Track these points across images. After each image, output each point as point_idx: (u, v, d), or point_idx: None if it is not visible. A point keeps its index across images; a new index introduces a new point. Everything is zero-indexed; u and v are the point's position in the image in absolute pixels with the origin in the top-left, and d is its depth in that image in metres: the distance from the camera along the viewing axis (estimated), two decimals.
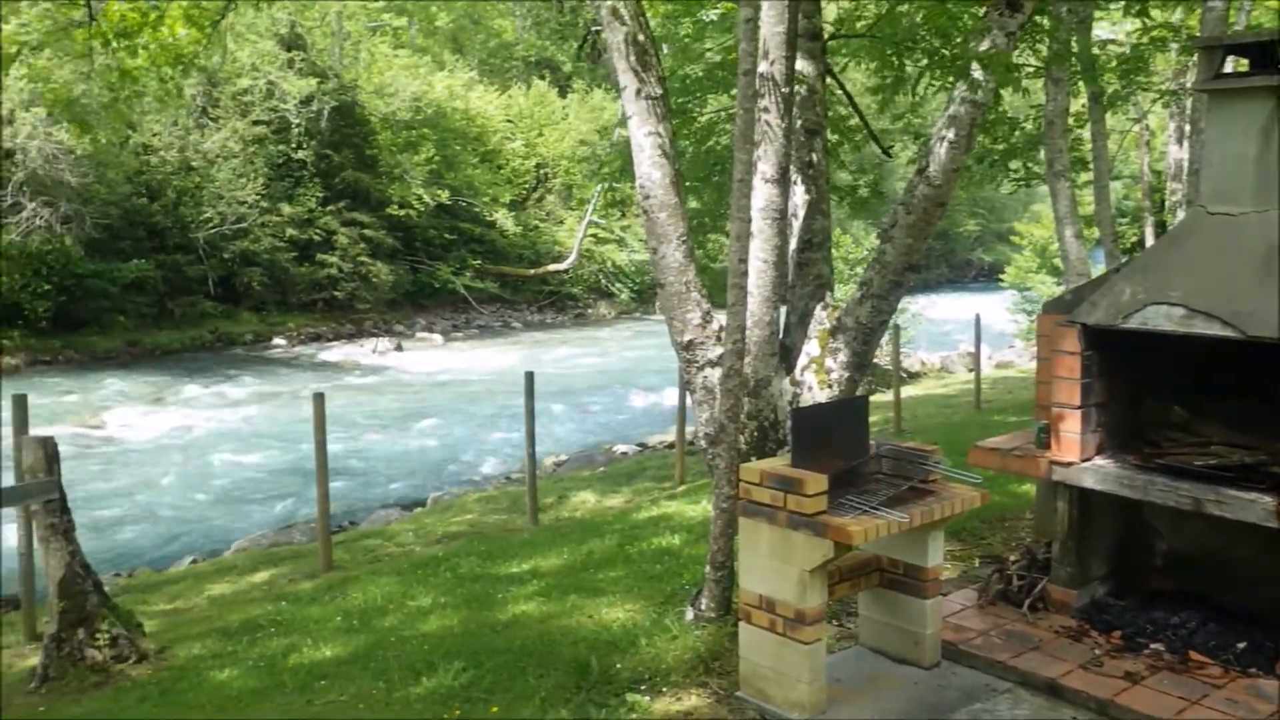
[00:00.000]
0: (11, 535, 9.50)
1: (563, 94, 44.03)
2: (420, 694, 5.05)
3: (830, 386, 6.58)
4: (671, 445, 14.10)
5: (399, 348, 29.31)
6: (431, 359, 27.71)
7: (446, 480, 14.59)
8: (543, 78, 44.28)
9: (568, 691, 4.85)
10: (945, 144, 6.22)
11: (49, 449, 6.33)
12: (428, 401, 20.85)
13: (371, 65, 35.26)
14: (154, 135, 29.34)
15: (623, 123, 6.93)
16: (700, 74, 10.67)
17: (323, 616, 6.87)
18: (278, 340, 30.20)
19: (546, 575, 7.26)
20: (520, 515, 10.27)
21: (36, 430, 7.01)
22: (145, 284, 27.85)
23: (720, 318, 6.05)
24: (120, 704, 5.52)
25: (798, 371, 6.72)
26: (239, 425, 18.45)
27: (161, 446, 16.75)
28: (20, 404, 7.25)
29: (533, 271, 38.71)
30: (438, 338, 32.39)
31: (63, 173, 25.36)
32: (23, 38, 11.16)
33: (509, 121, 40.98)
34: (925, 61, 8.06)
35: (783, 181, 6.17)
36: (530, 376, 9.76)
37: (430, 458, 16.15)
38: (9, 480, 11.31)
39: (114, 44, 10.04)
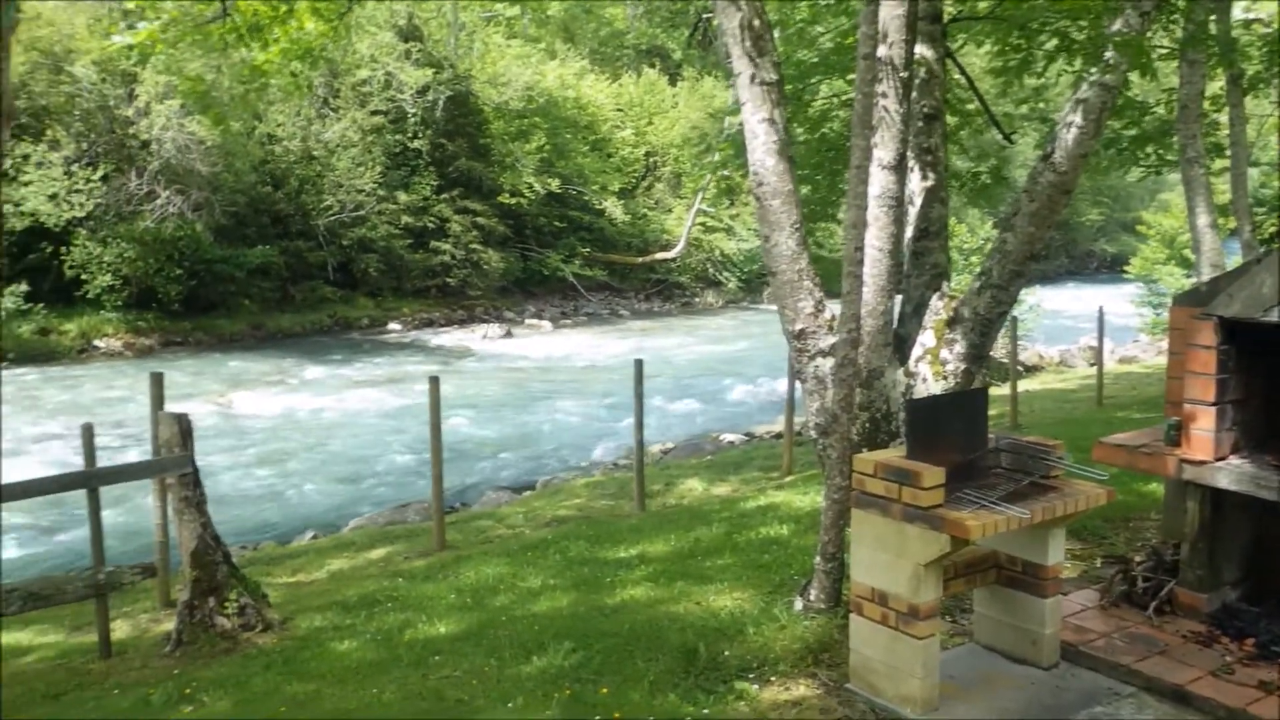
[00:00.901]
0: (148, 507, 9.99)
1: (673, 82, 44.02)
2: (531, 672, 5.14)
3: (945, 378, 6.45)
4: (779, 435, 14.01)
5: (509, 334, 29.78)
6: (540, 345, 28.07)
7: (555, 465, 14.78)
8: (653, 66, 44.33)
9: (676, 676, 4.87)
10: (1073, 129, 6.02)
11: (184, 425, 6.61)
12: (536, 387, 21.14)
13: (485, 55, 35.82)
14: (278, 126, 30.34)
15: (735, 109, 6.89)
16: (815, 59, 10.53)
17: (437, 594, 7.04)
18: (393, 325, 31.00)
19: (654, 561, 7.30)
20: (628, 501, 10.35)
21: (170, 407, 7.33)
22: (269, 269, 28.86)
23: (833, 307, 5.99)
24: (247, 670, 5.75)
25: (912, 362, 6.60)
26: (356, 406, 19.00)
27: (283, 425, 17.36)
28: (157, 381, 7.60)
29: (641, 259, 38.86)
30: (547, 324, 32.80)
31: (194, 162, 26.43)
32: (162, 35, 11.66)
33: (619, 110, 41.16)
34: (1053, 44, 7.80)
35: (899, 168, 6.07)
36: (639, 364, 9.81)
37: (538, 442, 16.37)
38: (145, 454, 11.88)
39: (246, 39, 10.40)
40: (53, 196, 24.52)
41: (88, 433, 6.79)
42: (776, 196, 6.16)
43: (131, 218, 26.09)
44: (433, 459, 8.81)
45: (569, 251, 36.48)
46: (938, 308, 6.72)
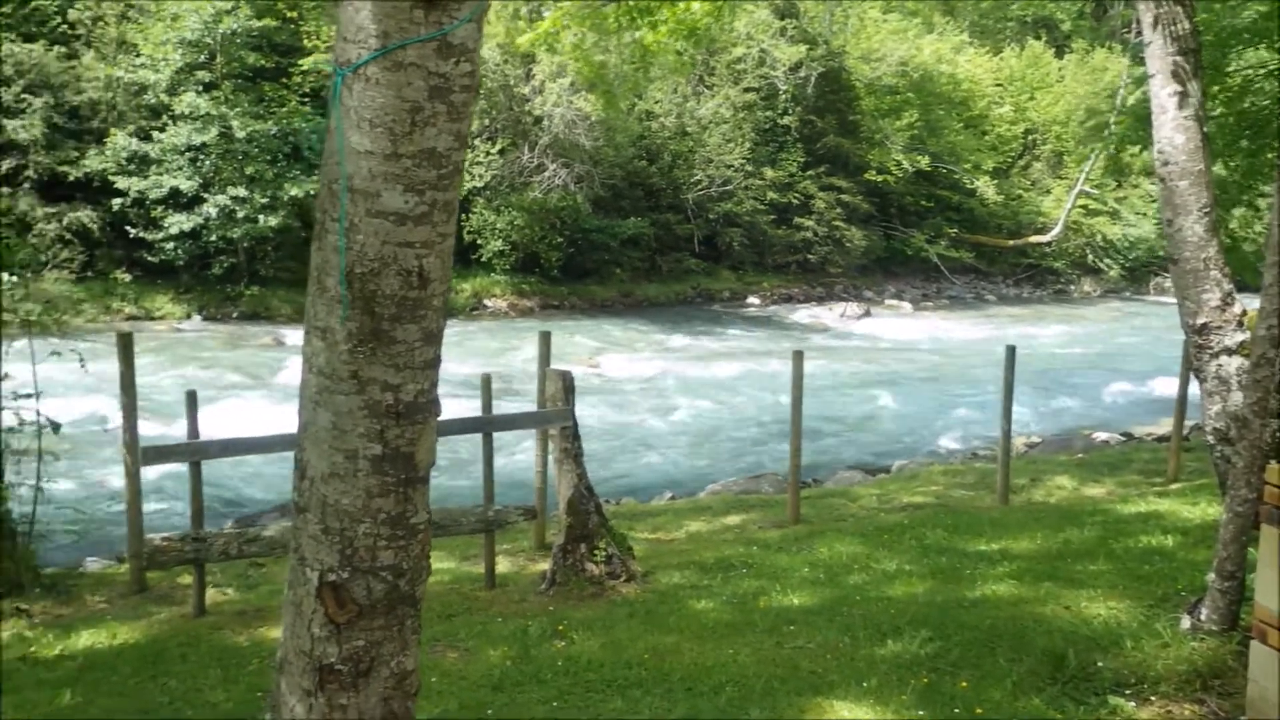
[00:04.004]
0: (525, 455, 10.89)
1: (1059, 54, 41.21)
2: (885, 655, 5.09)
3: None
4: (1163, 438, 12.85)
5: (867, 313, 29.38)
6: (899, 327, 27.46)
7: (909, 449, 14.44)
8: (1038, 37, 41.72)
9: (1041, 680, 4.64)
10: None
11: (567, 381, 7.13)
12: (893, 369, 20.72)
13: (860, 31, 35.33)
14: (656, 103, 31.68)
15: (1138, 82, 6.34)
16: (1239, 24, 9.44)
17: (790, 566, 7.13)
18: (752, 299, 31.56)
19: (1018, 558, 6.96)
20: (988, 493, 9.92)
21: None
22: (640, 240, 30.31)
23: (1244, 301, 5.40)
24: (613, 615, 6.13)
25: None
26: (714, 376, 19.56)
27: (645, 389, 18.22)
28: (545, 340, 8.23)
29: (1012, 242, 36.89)
30: (907, 305, 32.03)
31: (579, 137, 28.24)
32: (563, 21, 12.54)
33: (998, 85, 39.17)
34: None
35: None
36: (1012, 350, 9.34)
37: (893, 425, 16.06)
38: (519, 406, 12.92)
39: (638, 20, 10.95)
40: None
41: (486, 383, 7.48)
42: (1184, 177, 5.64)
43: (522, 188, 28.34)
44: (792, 433, 8.90)
45: (935, 232, 35.33)
46: None
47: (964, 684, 4.62)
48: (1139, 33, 5.84)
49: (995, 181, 36.41)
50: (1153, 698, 4.42)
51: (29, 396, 6.74)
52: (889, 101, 35.12)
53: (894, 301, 32.60)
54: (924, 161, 33.97)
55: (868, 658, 5.09)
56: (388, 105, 2.19)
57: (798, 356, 8.90)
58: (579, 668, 5.25)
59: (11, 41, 23.66)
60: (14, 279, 6.63)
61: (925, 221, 35.58)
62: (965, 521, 8.38)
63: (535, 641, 5.73)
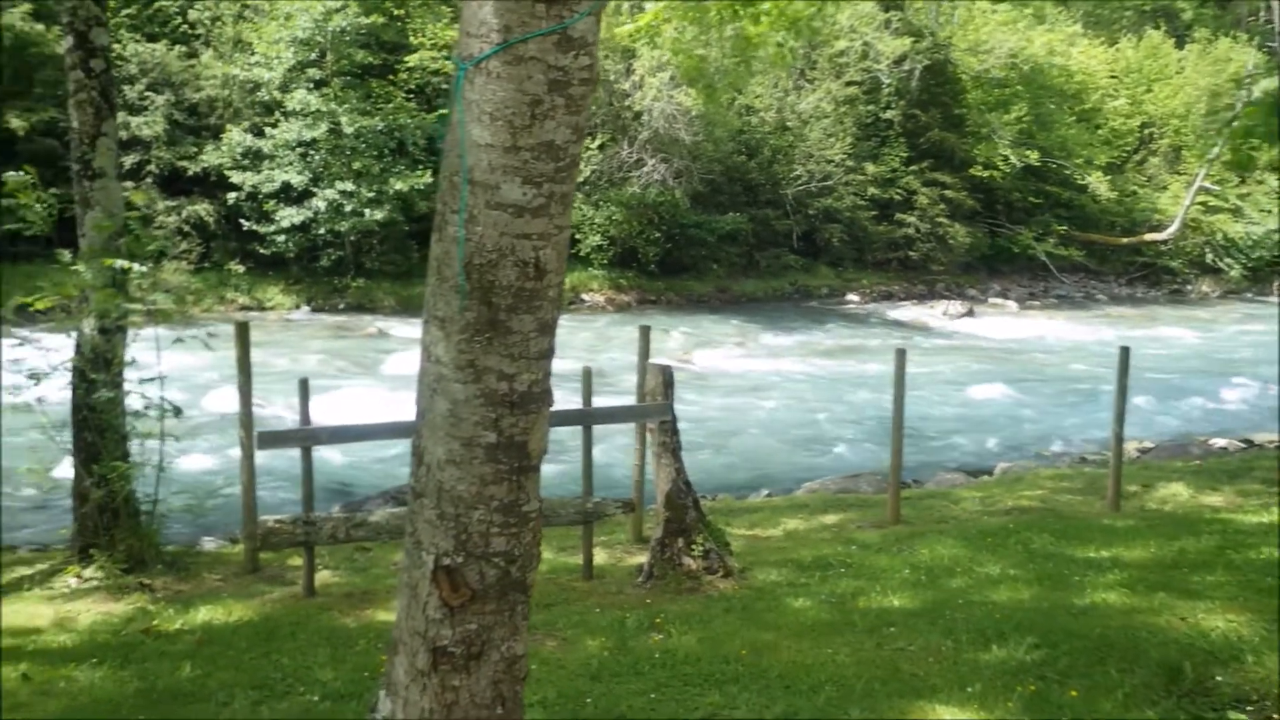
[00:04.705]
0: (620, 448, 10.94)
1: (1179, 45, 39.66)
2: (989, 661, 4.99)
3: None
4: None
5: (970, 312, 28.74)
6: (1004, 326, 26.81)
7: (1013, 452, 14.10)
8: (1157, 27, 40.24)
9: (1155, 693, 4.50)
10: None
11: (667, 375, 7.15)
12: (997, 369, 20.24)
13: (967, 23, 34.52)
14: (756, 97, 31.48)
15: (1270, 70, 6.07)
16: None
17: (890, 567, 7.04)
18: (851, 296, 31.16)
19: (1130, 566, 6.75)
20: (1098, 498, 9.63)
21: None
22: (737, 235, 30.15)
23: None
24: (710, 610, 6.13)
25: None
26: (812, 373, 19.39)
27: (740, 385, 18.14)
28: (645, 334, 8.26)
29: (1126, 240, 35.67)
30: (1012, 304, 31.26)
31: (678, 132, 28.25)
32: (664, 15, 12.55)
33: (1113, 77, 37.88)
34: None
35: None
36: (1125, 352, 9.05)
37: (996, 427, 15.69)
38: (614, 400, 12.98)
39: (740, 13, 10.90)
40: None
41: (587, 377, 7.53)
42: None
43: (621, 183, 28.46)
44: (893, 432, 8.77)
45: (1043, 229, 34.34)
46: None
47: (1074, 693, 4.50)
48: (1268, 20, 5.59)
49: (1108, 177, 35.19)
50: (1275, 715, 4.24)
51: (152, 381, 7.02)
52: (997, 95, 34.25)
53: (998, 300, 31.83)
54: (1033, 156, 33.02)
55: (971, 662, 4.99)
56: (508, 99, 2.23)
57: (900, 354, 8.77)
58: (676, 661, 5.26)
59: (136, 41, 24.68)
60: (144, 269, 6.91)
61: (1033, 218, 34.61)
62: (1073, 527, 8.16)
63: (632, 633, 5.77)
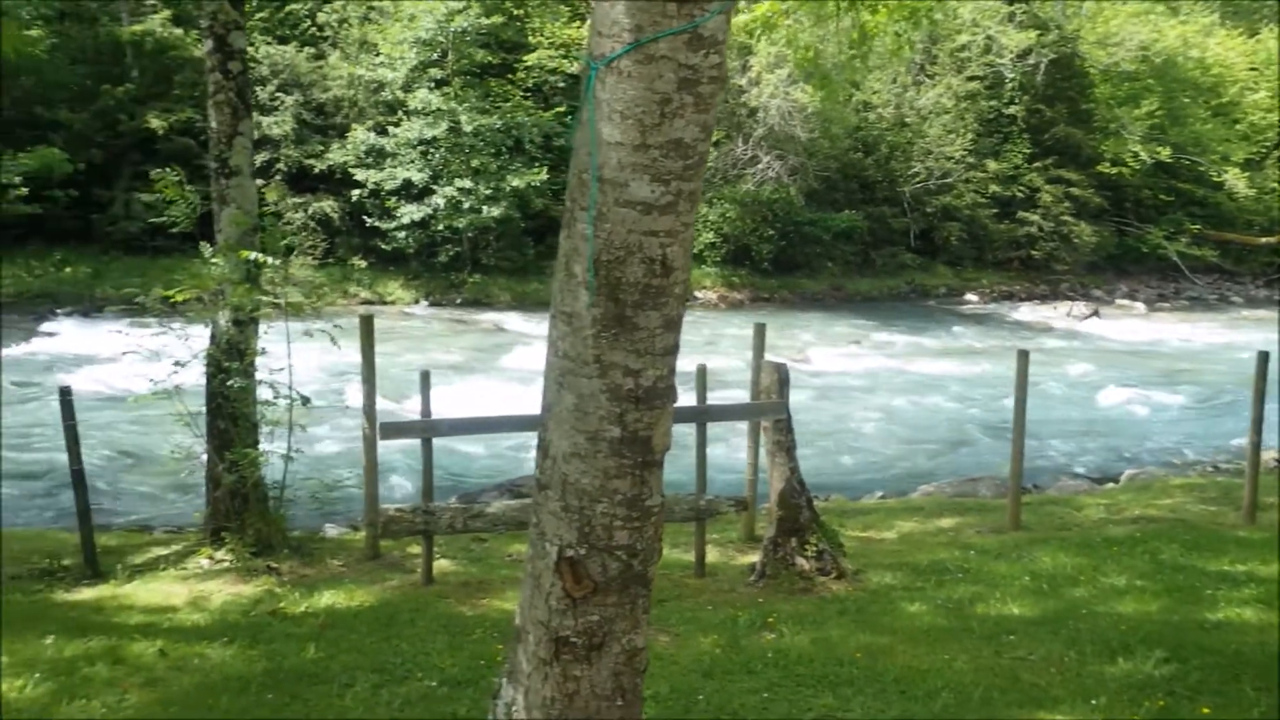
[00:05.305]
0: (733, 447, 10.92)
1: None
2: (1115, 674, 4.83)
3: None
4: None
5: (1096, 313, 27.79)
6: (1132, 328, 25.84)
7: (1141, 458, 13.59)
8: None
9: None
10: None
11: (782, 374, 7.11)
12: (1123, 373, 19.52)
13: (1096, 15, 33.34)
14: (873, 93, 31.01)
15: None
16: None
17: (1009, 573, 6.87)
18: (970, 296, 30.46)
19: (1266, 581, 6.45)
20: (1231, 509, 9.22)
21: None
22: (852, 233, 29.74)
23: None
24: (823, 612, 6.08)
25: None
26: (928, 374, 19.01)
27: (855, 385, 17.91)
28: (760, 332, 8.23)
29: (1265, 240, 33.97)
30: (1140, 306, 30.11)
31: (794, 129, 28.01)
32: (781, 6, 12.44)
33: (1253, 69, 36.09)
34: None
35: None
36: (1264, 357, 8.64)
37: (1121, 433, 15.14)
38: (724, 398, 12.96)
39: (859, 3, 10.75)
40: None
41: (701, 374, 7.55)
42: None
43: (735, 181, 28.36)
44: (1014, 435, 8.54)
45: (1174, 227, 32.94)
46: None
47: (1205, 710, 4.33)
48: None
49: (1246, 174, 33.55)
50: None
51: (281, 371, 7.30)
52: (1127, 89, 32.99)
53: (1126, 301, 30.69)
54: (1164, 152, 31.67)
55: (1095, 675, 4.84)
56: (638, 97, 2.25)
57: (1023, 356, 8.54)
58: (789, 661, 5.24)
59: (267, 44, 25.66)
60: (276, 263, 7.19)
61: (1164, 217, 33.24)
62: (1205, 538, 7.83)
63: (744, 632, 5.76)
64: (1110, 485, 11.62)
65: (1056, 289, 31.17)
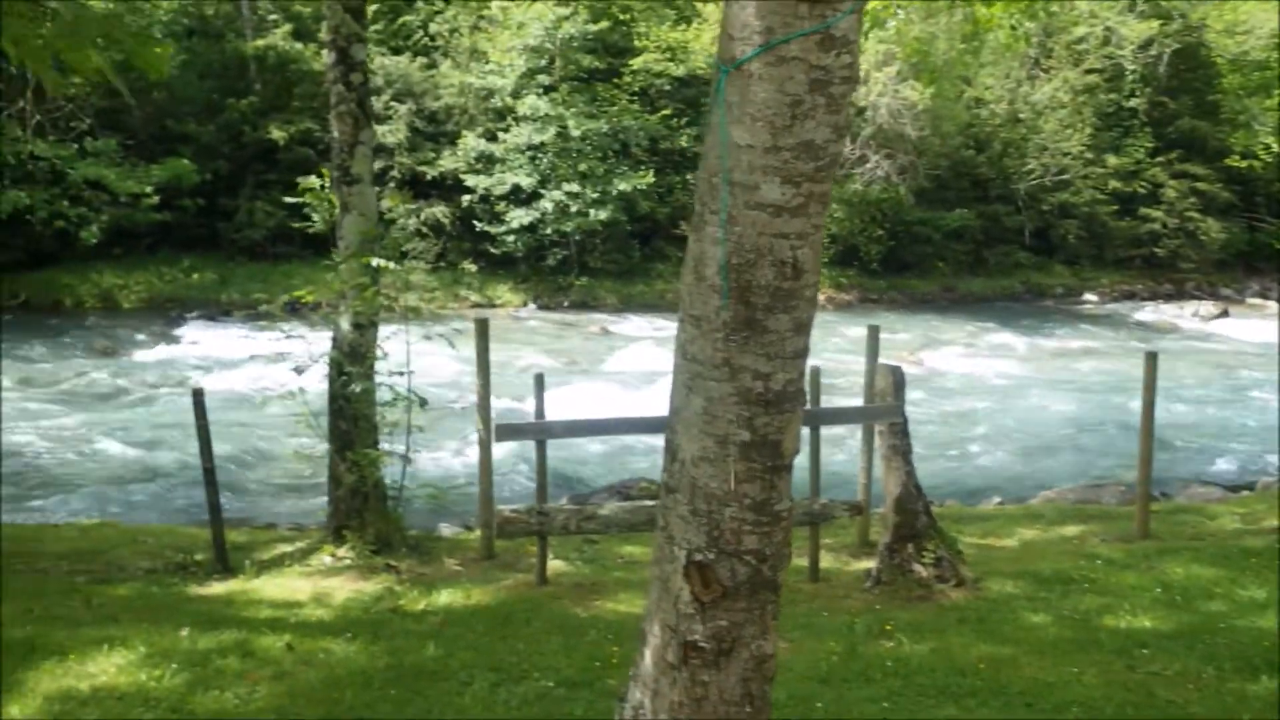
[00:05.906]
0: (847, 450, 10.79)
1: None
2: (1258, 692, 4.61)
3: None
4: None
5: (1225, 313, 26.64)
6: (1264, 329, 24.63)
7: (1276, 467, 12.95)
8: None
9: None
10: None
11: (897, 377, 6.98)
12: (1255, 376, 18.66)
13: (1223, 2, 31.96)
14: (986, 89, 30.26)
15: None
16: None
17: (1139, 584, 6.62)
18: (1088, 295, 29.50)
19: None
20: None
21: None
22: (964, 233, 29.10)
23: None
24: (942, 620, 5.95)
25: None
26: (1047, 376, 18.48)
27: (970, 387, 17.50)
28: (873, 334, 8.11)
29: None
30: (1273, 305, 28.69)
31: (904, 126, 27.51)
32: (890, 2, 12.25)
33: None
34: None
35: None
36: None
37: (1255, 438, 14.45)
38: (845, 400, 12.80)
39: None
40: None
41: (815, 377, 7.46)
42: None
43: (843, 180, 28.00)
44: (1142, 440, 8.23)
45: None
46: None
47: None
48: None
49: None
50: None
51: (400, 374, 7.48)
52: (1258, 78, 31.52)
53: (1258, 300, 29.33)
54: None
55: (1237, 693, 4.62)
56: (769, 99, 2.23)
57: (1150, 358, 8.22)
58: (909, 670, 5.13)
59: (382, 55, 26.34)
60: (397, 268, 7.37)
61: None
62: None
63: (861, 639, 5.67)
64: (1245, 493, 11.11)
65: (1182, 288, 29.98)
